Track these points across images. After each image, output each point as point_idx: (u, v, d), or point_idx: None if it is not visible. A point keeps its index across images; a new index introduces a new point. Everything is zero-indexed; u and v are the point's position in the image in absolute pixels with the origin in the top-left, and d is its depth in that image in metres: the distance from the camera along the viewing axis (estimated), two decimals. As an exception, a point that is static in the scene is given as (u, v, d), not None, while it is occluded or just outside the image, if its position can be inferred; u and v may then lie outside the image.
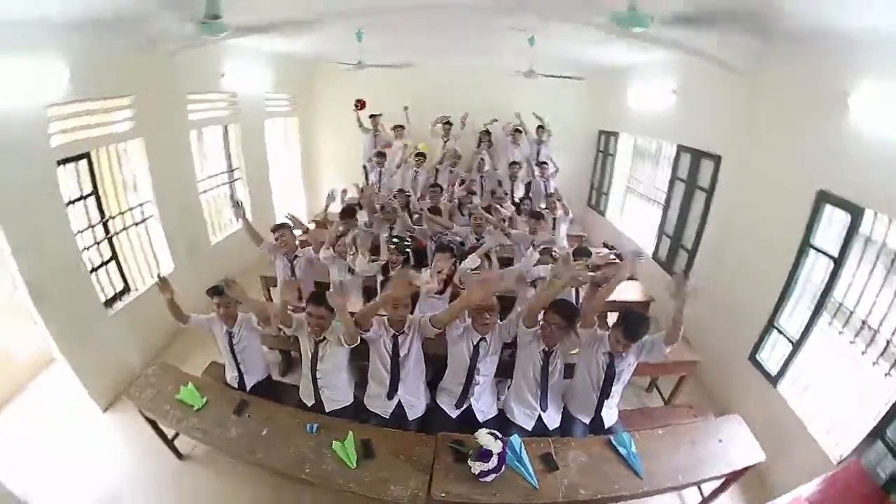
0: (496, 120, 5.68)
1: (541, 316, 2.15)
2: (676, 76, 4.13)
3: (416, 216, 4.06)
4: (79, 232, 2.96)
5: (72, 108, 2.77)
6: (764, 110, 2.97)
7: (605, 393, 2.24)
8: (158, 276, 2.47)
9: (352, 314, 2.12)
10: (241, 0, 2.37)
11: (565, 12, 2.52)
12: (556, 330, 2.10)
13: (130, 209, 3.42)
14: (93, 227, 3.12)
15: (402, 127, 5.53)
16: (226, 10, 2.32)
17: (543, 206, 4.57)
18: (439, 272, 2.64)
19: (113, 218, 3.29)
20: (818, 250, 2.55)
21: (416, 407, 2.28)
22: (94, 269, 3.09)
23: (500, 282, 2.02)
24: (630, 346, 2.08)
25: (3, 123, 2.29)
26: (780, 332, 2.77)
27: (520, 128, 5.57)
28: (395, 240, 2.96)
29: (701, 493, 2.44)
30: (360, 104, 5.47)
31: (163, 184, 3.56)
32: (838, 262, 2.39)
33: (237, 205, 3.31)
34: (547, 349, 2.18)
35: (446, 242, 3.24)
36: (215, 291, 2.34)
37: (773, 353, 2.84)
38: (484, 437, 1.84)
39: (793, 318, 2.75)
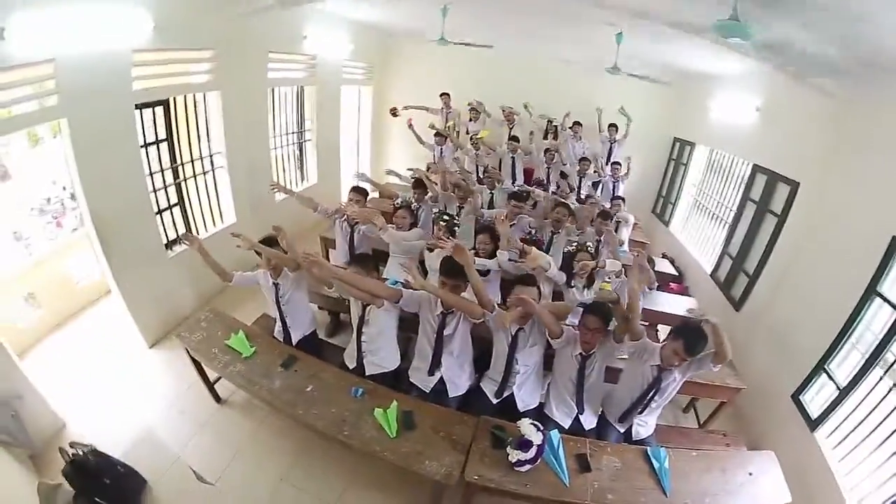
0: (568, 114, 5.58)
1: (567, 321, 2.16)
2: (762, 92, 3.96)
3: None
4: (150, 174, 3.10)
5: (154, 55, 2.88)
6: (850, 141, 2.83)
7: (642, 405, 2.22)
8: (186, 235, 2.52)
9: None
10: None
11: (667, 14, 2.45)
12: (592, 334, 2.09)
13: (201, 158, 3.55)
14: (163, 171, 3.27)
15: (476, 110, 5.54)
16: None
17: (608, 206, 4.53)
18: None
19: (184, 164, 3.43)
20: (884, 299, 2.44)
21: (457, 385, 2.31)
22: (160, 211, 3.25)
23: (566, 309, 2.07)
24: (686, 361, 2.05)
25: (89, 65, 2.40)
26: (829, 376, 2.68)
27: (579, 121, 5.49)
28: (445, 217, 2.97)
29: (720, 523, 2.41)
30: (394, 112, 5.48)
31: (235, 137, 3.67)
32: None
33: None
34: (584, 353, 2.17)
35: (486, 224, 3.19)
36: (265, 243, 2.38)
37: (817, 397, 2.75)
38: (527, 427, 1.86)
39: (844, 364, 2.65)
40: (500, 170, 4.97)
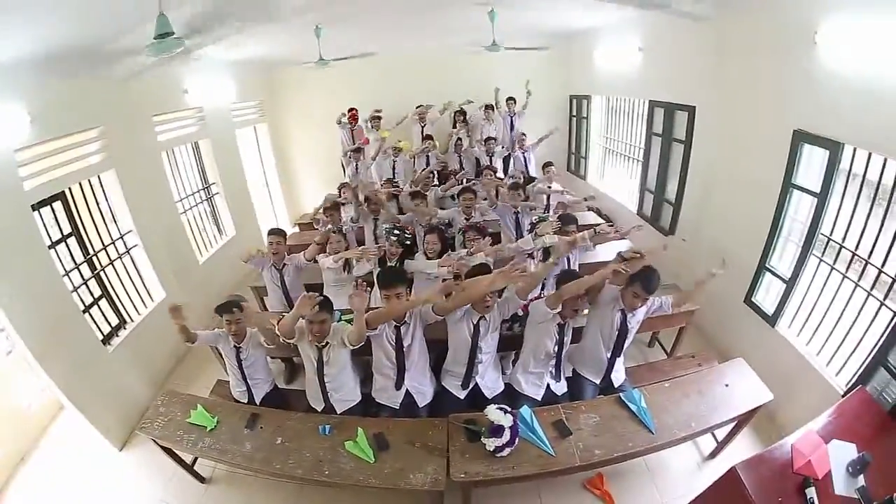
0: (472, 101, 5.64)
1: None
2: (641, 33, 4.11)
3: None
4: (66, 273, 2.93)
5: (40, 148, 2.72)
6: (733, 56, 2.97)
7: (616, 351, 2.28)
8: (171, 307, 2.38)
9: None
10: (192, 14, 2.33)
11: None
12: (574, 301, 2.11)
13: (113, 242, 3.38)
14: (78, 266, 3.09)
15: (377, 118, 5.49)
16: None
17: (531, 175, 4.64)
18: (447, 266, 2.60)
19: (97, 254, 3.25)
20: (801, 189, 2.58)
21: (424, 393, 2.30)
22: (87, 308, 3.07)
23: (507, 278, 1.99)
24: (646, 300, 2.13)
25: None
26: (772, 272, 2.82)
27: (490, 104, 5.55)
28: (395, 232, 2.96)
29: (715, 439, 2.50)
30: (353, 117, 5.46)
31: (141, 211, 3.51)
32: (822, 199, 2.41)
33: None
34: (562, 322, 2.19)
35: (435, 224, 3.24)
36: (225, 309, 2.31)
37: (768, 295, 2.88)
38: (494, 413, 1.87)
39: (783, 258, 2.79)
40: (415, 169, 5.00)
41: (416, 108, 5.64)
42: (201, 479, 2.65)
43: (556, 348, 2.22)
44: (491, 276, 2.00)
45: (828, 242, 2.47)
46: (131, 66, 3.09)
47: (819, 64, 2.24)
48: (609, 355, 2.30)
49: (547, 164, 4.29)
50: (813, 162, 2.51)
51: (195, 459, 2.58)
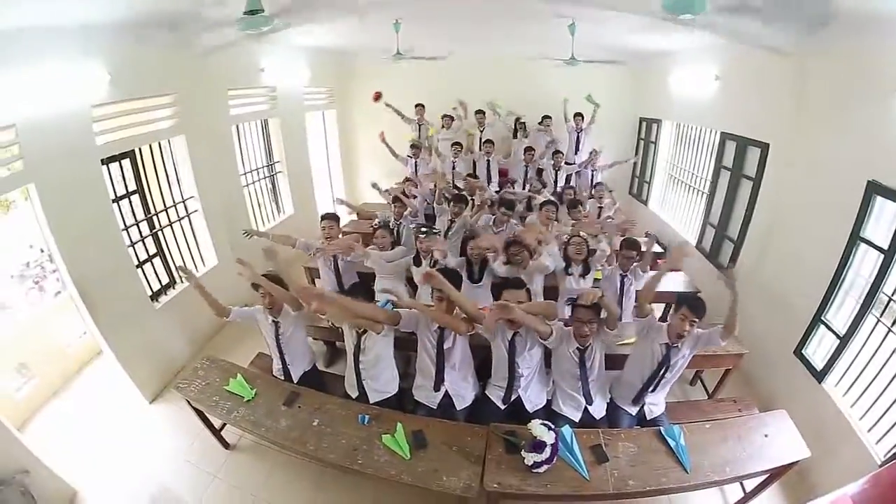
0: (566, 100, 5.50)
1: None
2: (719, 61, 4.01)
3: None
4: (125, 228, 3.05)
5: (115, 107, 2.84)
6: (813, 96, 2.87)
7: (652, 384, 2.23)
8: (181, 270, 2.49)
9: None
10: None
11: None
12: (587, 326, 2.10)
13: (175, 205, 3.50)
14: (138, 223, 3.21)
15: (450, 117, 5.51)
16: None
17: (587, 195, 4.55)
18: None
19: (158, 214, 3.38)
20: (868, 243, 2.48)
21: (463, 397, 2.30)
22: (140, 264, 3.19)
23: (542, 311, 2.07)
24: (694, 327, 2.09)
25: (50, 125, 2.37)
26: (827, 326, 2.71)
27: (548, 115, 5.51)
28: (423, 230, 2.98)
29: (743, 490, 2.42)
30: (377, 96, 5.42)
31: (206, 179, 3.64)
32: (889, 256, 2.31)
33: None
34: (581, 347, 2.17)
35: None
36: (267, 279, 2.34)
37: (819, 349, 2.78)
38: (537, 428, 1.85)
39: (840, 312, 2.68)
40: (475, 173, 4.97)
41: (476, 113, 5.58)
42: (226, 445, 2.72)
43: (579, 372, 2.19)
44: (531, 318, 2.02)
45: (888, 303, 2.37)
46: (212, 40, 3.20)
47: (900, 114, 2.15)
48: (643, 387, 2.26)
49: (598, 185, 4.25)
50: (884, 216, 2.41)
51: (223, 425, 2.64)
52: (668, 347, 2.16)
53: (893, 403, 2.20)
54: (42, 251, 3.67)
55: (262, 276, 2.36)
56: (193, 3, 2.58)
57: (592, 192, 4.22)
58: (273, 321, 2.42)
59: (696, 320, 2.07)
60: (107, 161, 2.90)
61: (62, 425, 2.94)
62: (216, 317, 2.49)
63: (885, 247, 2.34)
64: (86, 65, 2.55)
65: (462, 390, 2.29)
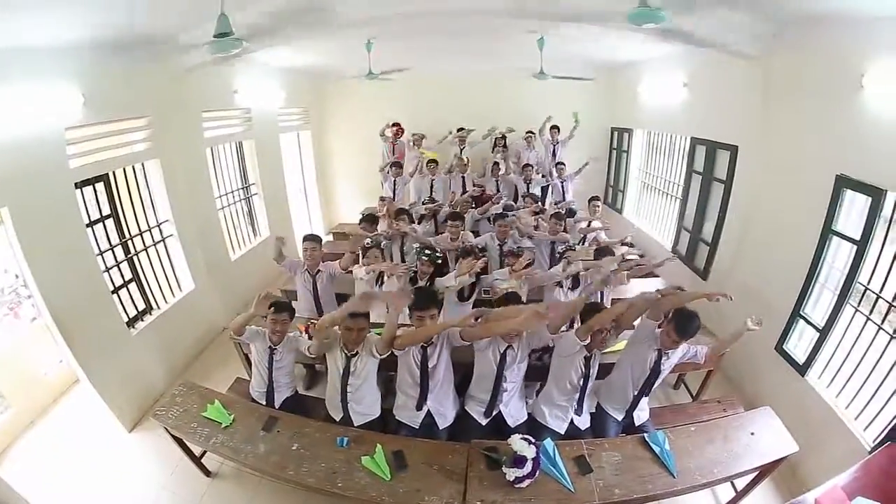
0: (513, 129, 5.64)
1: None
2: (686, 68, 4.10)
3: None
4: (100, 253, 2.99)
5: (89, 130, 2.80)
6: (779, 96, 2.94)
7: (644, 389, 2.23)
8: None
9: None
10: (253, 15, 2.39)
11: (576, 13, 2.52)
12: (601, 334, 2.10)
13: (150, 229, 3.45)
14: (113, 248, 3.15)
15: (422, 136, 5.54)
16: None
17: (573, 207, 4.67)
18: (464, 274, 2.66)
19: (133, 238, 3.32)
20: (841, 235, 2.52)
21: (445, 416, 2.27)
22: (116, 290, 3.12)
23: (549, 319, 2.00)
24: (680, 344, 2.09)
25: (23, 147, 2.33)
26: (806, 320, 2.73)
27: (532, 131, 5.58)
28: (426, 252, 2.97)
29: (734, 489, 2.40)
30: (398, 131, 5.52)
31: (180, 202, 3.59)
32: (862, 247, 2.35)
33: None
34: (588, 354, 2.16)
35: (469, 247, 3.23)
36: (279, 308, 2.33)
37: (800, 343, 2.80)
38: (518, 443, 1.83)
39: (818, 305, 2.71)
40: (451, 190, 5.00)
41: (457, 130, 5.63)
42: (207, 473, 2.65)
43: (582, 381, 2.18)
44: (521, 318, 1.96)
45: (865, 292, 2.39)
46: (186, 62, 3.19)
47: (865, 108, 2.21)
48: (636, 393, 2.25)
49: (594, 199, 4.30)
50: (854, 208, 2.45)
51: (203, 452, 2.57)
52: (660, 353, 2.16)
53: (878, 389, 2.21)
54: (17, 276, 3.56)
55: (270, 305, 2.34)
56: (167, 25, 2.58)
57: (589, 206, 4.27)
58: (269, 347, 2.39)
59: (680, 340, 2.09)
60: (81, 185, 2.85)
61: (39, 456, 2.84)
62: (196, 340, 2.44)
63: (857, 237, 2.38)
64: (59, 86, 2.52)
65: (444, 409, 2.26)
